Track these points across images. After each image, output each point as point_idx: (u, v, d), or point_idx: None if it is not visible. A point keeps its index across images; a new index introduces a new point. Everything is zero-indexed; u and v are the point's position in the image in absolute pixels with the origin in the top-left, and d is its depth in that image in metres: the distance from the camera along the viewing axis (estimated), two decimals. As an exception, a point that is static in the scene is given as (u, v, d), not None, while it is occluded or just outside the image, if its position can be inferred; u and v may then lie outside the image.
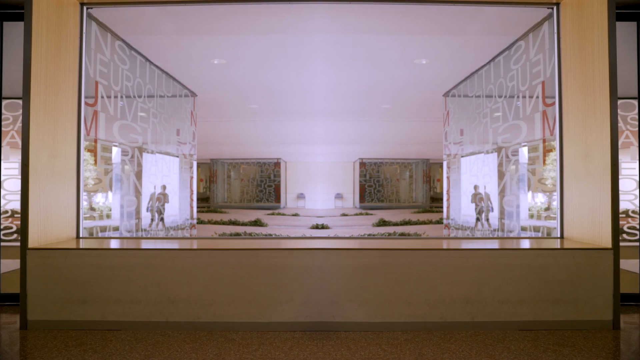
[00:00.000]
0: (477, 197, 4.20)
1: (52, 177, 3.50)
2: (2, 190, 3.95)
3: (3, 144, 3.98)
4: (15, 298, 3.72)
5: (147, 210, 4.20)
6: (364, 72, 4.54)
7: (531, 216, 4.09)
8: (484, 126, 4.40)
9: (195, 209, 4.71)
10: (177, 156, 4.58)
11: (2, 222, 3.94)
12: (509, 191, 4.24)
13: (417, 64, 4.51)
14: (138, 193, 4.28)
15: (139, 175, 4.28)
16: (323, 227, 4.53)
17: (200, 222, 4.91)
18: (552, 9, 3.90)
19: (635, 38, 3.93)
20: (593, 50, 3.41)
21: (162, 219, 4.31)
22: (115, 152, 4.16)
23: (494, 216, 4.35)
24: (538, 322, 3.18)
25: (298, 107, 4.60)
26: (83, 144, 3.85)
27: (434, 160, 4.87)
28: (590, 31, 3.44)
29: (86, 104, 3.90)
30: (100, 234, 4.01)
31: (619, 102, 3.91)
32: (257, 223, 4.64)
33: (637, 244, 3.90)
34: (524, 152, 4.14)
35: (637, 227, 3.94)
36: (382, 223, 4.67)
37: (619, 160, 3.34)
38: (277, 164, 4.84)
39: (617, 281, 3.20)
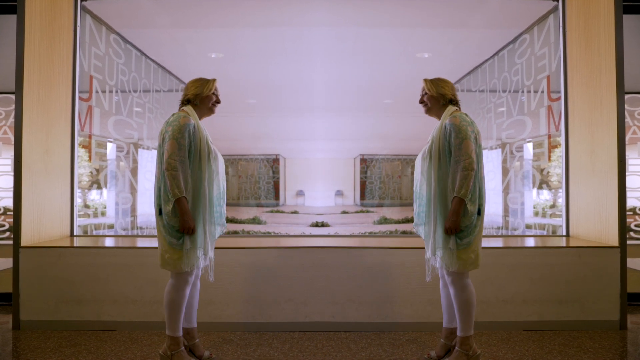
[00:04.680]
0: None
1: (45, 174, 3.43)
2: (-5, 187, 3.89)
3: (-4, 140, 3.92)
4: (7, 298, 3.66)
5: None
6: (365, 66, 4.48)
7: (536, 214, 4.03)
8: (488, 121, 4.34)
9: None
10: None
11: (-5, 219, 3.89)
12: (513, 188, 4.17)
13: (419, 58, 4.44)
14: (134, 190, 4.22)
15: (134, 171, 4.21)
16: (323, 225, 4.47)
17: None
18: (558, 1, 3.83)
19: (642, 31, 3.86)
20: (599, 43, 3.35)
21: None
22: (110, 148, 4.09)
23: (497, 214, 4.29)
24: (543, 323, 3.12)
25: (297, 102, 4.55)
26: (77, 139, 3.78)
27: (436, 156, 4.78)
28: (597, 24, 3.38)
29: (80, 98, 3.83)
30: (94, 232, 3.95)
31: (626, 96, 3.83)
32: (255, 221, 4.58)
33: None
34: (528, 148, 4.07)
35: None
36: (384, 221, 4.60)
37: (626, 157, 3.28)
38: (275, 160, 4.77)
39: (624, 280, 3.14)
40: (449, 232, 2.32)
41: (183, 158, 2.32)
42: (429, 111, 2.58)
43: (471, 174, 2.30)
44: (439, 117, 2.52)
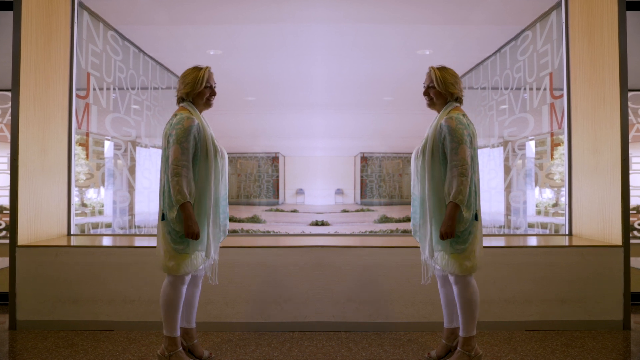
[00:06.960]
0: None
1: (42, 172, 3.40)
2: (-9, 185, 3.86)
3: (-8, 137, 3.89)
4: (4, 297, 3.63)
5: None
6: (365, 63, 4.44)
7: (538, 212, 4.00)
8: (490, 119, 4.30)
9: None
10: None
11: (-9, 218, 3.86)
12: (515, 187, 4.14)
13: (420, 55, 4.40)
14: (131, 188, 4.18)
15: (132, 170, 4.18)
16: (323, 223, 4.45)
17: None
18: (560, -3, 3.79)
19: (646, 28, 3.82)
20: (602, 40, 3.31)
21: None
22: (108, 146, 4.06)
23: (500, 212, 4.26)
24: (546, 322, 3.09)
25: (297, 99, 4.52)
26: (74, 137, 3.74)
27: (437, 154, 4.77)
28: (600, 21, 3.34)
29: (77, 96, 3.79)
30: (92, 231, 3.92)
31: (630, 94, 3.80)
32: (254, 219, 4.55)
33: (647, 240, 3.82)
34: (531, 146, 4.04)
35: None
36: (384, 220, 4.58)
37: (630, 155, 3.24)
38: (275, 159, 4.74)
39: (628, 280, 3.11)
40: (444, 237, 2.28)
41: (186, 163, 2.25)
42: (431, 105, 2.47)
43: (467, 180, 2.26)
44: (439, 112, 2.46)
